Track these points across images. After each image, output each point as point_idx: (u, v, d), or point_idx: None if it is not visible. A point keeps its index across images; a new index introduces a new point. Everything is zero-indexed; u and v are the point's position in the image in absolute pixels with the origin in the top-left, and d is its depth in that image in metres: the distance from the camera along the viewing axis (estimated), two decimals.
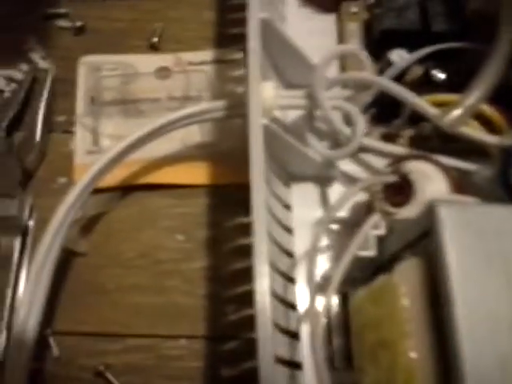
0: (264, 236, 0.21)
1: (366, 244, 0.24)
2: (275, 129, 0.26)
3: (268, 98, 0.27)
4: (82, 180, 0.28)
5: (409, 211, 0.25)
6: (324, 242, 0.29)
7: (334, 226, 0.30)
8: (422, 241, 0.21)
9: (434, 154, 0.28)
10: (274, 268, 0.25)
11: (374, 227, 0.25)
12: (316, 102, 0.27)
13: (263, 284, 0.21)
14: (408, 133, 0.30)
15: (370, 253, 0.24)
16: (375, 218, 0.25)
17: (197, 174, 0.33)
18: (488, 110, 0.26)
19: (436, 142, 0.29)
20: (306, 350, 0.26)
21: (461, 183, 0.25)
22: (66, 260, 0.30)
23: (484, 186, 0.26)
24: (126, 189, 0.32)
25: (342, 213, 0.30)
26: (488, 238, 0.19)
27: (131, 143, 0.29)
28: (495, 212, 0.19)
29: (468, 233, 0.19)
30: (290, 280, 0.28)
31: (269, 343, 0.20)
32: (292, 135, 0.30)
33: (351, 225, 0.29)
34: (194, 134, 0.33)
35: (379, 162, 0.29)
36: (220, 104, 0.30)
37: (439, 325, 0.19)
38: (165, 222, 0.31)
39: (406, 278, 0.20)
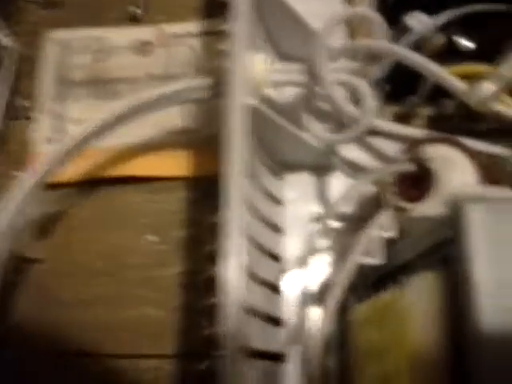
0: (235, 238, 0.17)
1: (370, 248, 0.19)
2: (264, 110, 0.21)
3: (258, 72, 0.23)
4: (32, 172, 0.23)
5: (428, 207, 0.19)
6: (322, 243, 0.25)
7: (335, 224, 0.25)
8: (443, 249, 0.16)
9: (457, 137, 0.23)
10: (254, 276, 0.20)
11: (382, 228, 0.20)
12: (316, 76, 0.23)
13: (231, 297, 0.16)
14: (426, 112, 0.25)
15: (376, 260, 0.19)
16: (384, 216, 0.20)
17: (175, 164, 0.28)
18: None
19: (460, 122, 0.24)
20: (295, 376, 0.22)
21: (492, 171, 0.20)
22: (17, 268, 0.26)
23: None
24: (91, 182, 0.27)
25: (345, 208, 0.25)
26: None
27: (96, 129, 0.24)
28: None
29: (505, 240, 0.14)
30: (276, 290, 0.23)
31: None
32: (286, 117, 0.25)
33: (356, 222, 0.24)
34: (174, 118, 0.29)
35: (390, 148, 0.25)
36: (204, 81, 0.26)
37: (460, 362, 0.14)
38: (135, 221, 0.27)
39: (418, 297, 0.15)
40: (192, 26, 0.31)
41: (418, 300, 0.15)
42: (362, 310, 0.19)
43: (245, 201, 0.19)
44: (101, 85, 0.30)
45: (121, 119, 0.25)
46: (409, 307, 0.15)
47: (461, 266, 0.14)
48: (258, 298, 0.21)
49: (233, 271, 0.17)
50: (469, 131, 0.24)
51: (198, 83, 0.26)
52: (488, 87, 0.20)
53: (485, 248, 0.14)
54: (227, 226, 0.17)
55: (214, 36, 0.30)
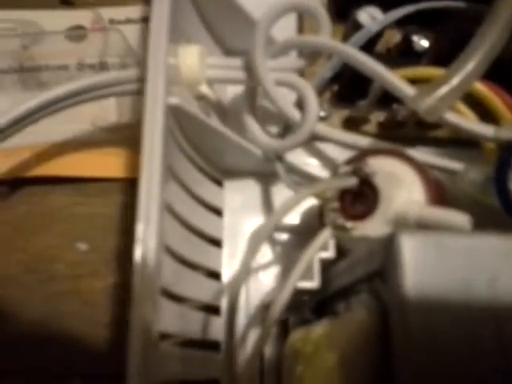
0: (152, 254, 0.15)
1: (308, 271, 0.18)
2: (190, 110, 0.19)
3: (190, 67, 0.20)
4: None
5: (370, 227, 0.18)
6: (265, 256, 0.23)
7: (282, 236, 0.24)
8: (374, 281, 0.14)
9: (408, 147, 0.21)
10: (180, 298, 0.18)
11: (322, 248, 0.18)
12: (255, 74, 0.20)
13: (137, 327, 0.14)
14: (377, 117, 0.23)
15: (312, 284, 0.17)
16: (325, 235, 0.18)
17: (111, 164, 0.25)
18: (482, 90, 0.19)
19: (413, 129, 0.22)
20: None
21: (442, 188, 0.19)
22: None
23: (472, 192, 0.19)
24: (13, 183, 0.25)
25: (292, 219, 0.23)
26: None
27: (11, 121, 0.22)
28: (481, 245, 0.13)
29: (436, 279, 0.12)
30: (214, 311, 0.21)
31: None
32: (229, 118, 0.24)
33: (304, 234, 0.22)
34: (109, 112, 0.26)
35: (341, 155, 0.23)
36: (136, 73, 0.23)
37: None
38: (63, 227, 0.25)
39: (338, 338, 0.14)
40: (132, 11, 0.28)
41: (337, 340, 0.14)
42: (294, 339, 0.17)
43: (166, 208, 0.17)
44: (27, 73, 0.27)
45: (43, 112, 0.22)
46: (324, 346, 0.14)
47: (391, 306, 0.13)
48: (191, 321, 0.19)
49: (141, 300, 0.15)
50: (422, 139, 0.23)
51: (129, 75, 0.23)
52: (439, 94, 0.18)
53: (419, 287, 0.13)
54: (141, 241, 0.16)
55: None
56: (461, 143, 0.22)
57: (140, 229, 0.16)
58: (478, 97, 0.19)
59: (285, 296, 0.17)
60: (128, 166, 0.26)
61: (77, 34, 0.28)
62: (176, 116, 0.18)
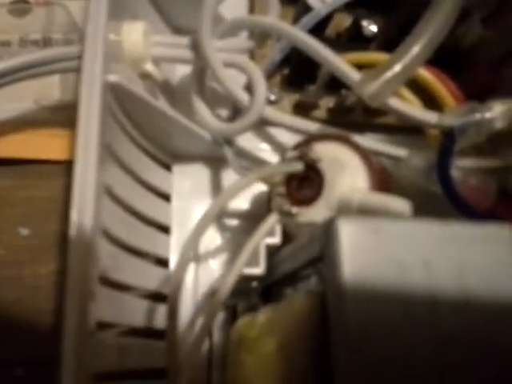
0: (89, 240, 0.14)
1: (254, 257, 0.18)
2: (132, 89, 0.18)
3: (134, 44, 0.20)
4: None
5: (315, 212, 0.18)
6: (214, 242, 0.23)
7: (231, 221, 0.23)
8: (315, 265, 0.14)
9: (356, 133, 0.21)
10: (122, 286, 0.18)
11: (269, 234, 0.18)
12: (202, 54, 0.20)
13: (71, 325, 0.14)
14: (327, 102, 0.23)
15: (258, 270, 0.17)
16: (271, 221, 0.18)
17: (54, 145, 0.24)
18: (427, 76, 0.19)
19: (360, 115, 0.22)
20: None
21: (386, 175, 0.19)
22: None
23: (416, 178, 0.20)
24: None
25: (241, 203, 0.23)
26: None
27: None
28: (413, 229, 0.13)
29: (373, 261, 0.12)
30: (161, 298, 0.21)
31: None
32: (180, 99, 0.23)
33: (254, 219, 0.22)
34: (53, 91, 0.25)
35: (291, 139, 0.22)
36: (78, 50, 0.22)
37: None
38: (3, 211, 0.23)
39: (278, 324, 0.14)
40: None
41: (280, 326, 0.14)
42: (239, 325, 0.17)
43: (105, 191, 0.17)
44: None
45: None
46: (267, 333, 0.14)
47: (328, 289, 0.13)
48: (135, 310, 0.19)
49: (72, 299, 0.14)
50: (370, 125, 0.23)
51: (72, 51, 0.22)
52: (382, 80, 0.18)
53: (349, 266, 0.13)
54: (76, 226, 0.15)
55: None
56: (407, 130, 0.22)
57: (74, 212, 0.15)
58: (422, 83, 0.19)
59: (230, 282, 0.17)
60: (71, 148, 0.25)
61: (20, 7, 0.27)
62: (117, 95, 0.17)
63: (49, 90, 0.25)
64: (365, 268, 0.13)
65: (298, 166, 0.18)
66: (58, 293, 0.23)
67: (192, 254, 0.19)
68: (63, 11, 0.27)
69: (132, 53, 0.19)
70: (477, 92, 0.22)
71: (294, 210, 0.18)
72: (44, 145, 0.25)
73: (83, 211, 0.15)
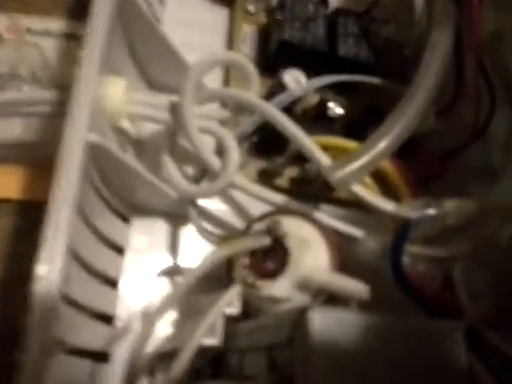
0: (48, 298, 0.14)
1: (212, 326, 0.18)
2: (108, 147, 0.18)
3: (114, 100, 0.20)
4: None
5: (277, 287, 0.18)
6: (168, 302, 0.22)
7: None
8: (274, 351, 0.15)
9: (315, 204, 0.22)
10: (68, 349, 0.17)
11: (229, 304, 0.18)
12: (180, 118, 0.20)
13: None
14: (290, 172, 0.24)
15: (214, 341, 0.17)
16: (233, 293, 0.18)
17: (4, 183, 0.24)
18: (387, 168, 0.21)
19: (320, 188, 0.24)
20: None
21: (344, 253, 0.20)
22: None
23: (369, 261, 0.21)
24: None
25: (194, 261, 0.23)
26: None
27: None
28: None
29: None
30: (103, 358, 0.20)
31: None
32: (146, 155, 0.23)
33: (206, 278, 0.22)
34: (13, 126, 0.24)
35: (253, 204, 0.23)
36: (51, 95, 0.22)
37: None
38: None
39: None
40: (52, 24, 0.27)
41: None
42: None
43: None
44: None
45: None
46: None
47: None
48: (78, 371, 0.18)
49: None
50: (327, 199, 0.24)
51: (43, 96, 0.22)
52: (350, 169, 0.19)
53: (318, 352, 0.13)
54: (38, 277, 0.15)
55: (76, 41, 0.27)
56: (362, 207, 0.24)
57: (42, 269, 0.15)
58: (383, 173, 0.21)
59: (186, 358, 0.17)
60: (23, 187, 0.24)
61: None
62: (93, 152, 0.17)
63: (8, 125, 0.24)
64: (329, 350, 0.14)
65: (266, 241, 0.19)
66: None
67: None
68: (34, 49, 0.26)
69: (110, 108, 0.20)
70: (423, 177, 0.24)
71: (259, 283, 0.18)
72: None
73: (51, 270, 0.15)
